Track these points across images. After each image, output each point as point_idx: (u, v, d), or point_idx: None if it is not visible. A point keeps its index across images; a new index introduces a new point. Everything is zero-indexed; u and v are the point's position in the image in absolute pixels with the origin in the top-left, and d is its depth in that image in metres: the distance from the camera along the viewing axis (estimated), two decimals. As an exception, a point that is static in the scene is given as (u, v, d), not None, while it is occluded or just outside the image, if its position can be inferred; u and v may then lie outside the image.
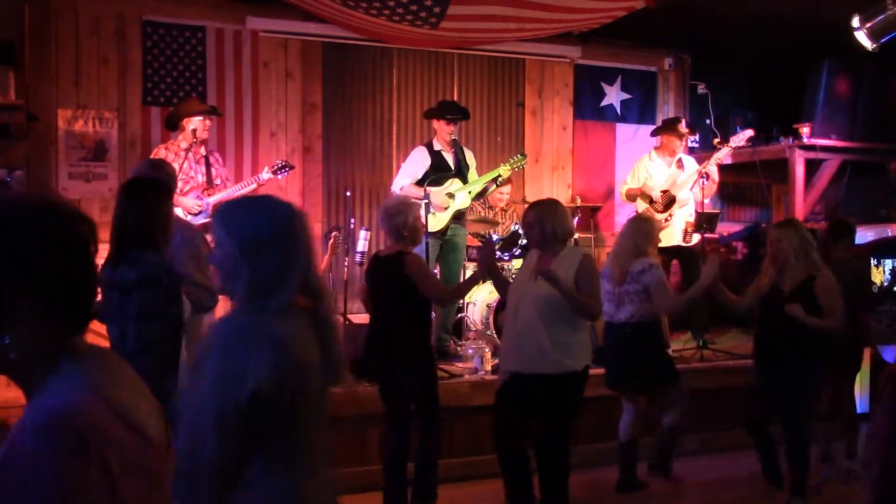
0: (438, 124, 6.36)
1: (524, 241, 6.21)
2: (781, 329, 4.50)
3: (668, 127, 7.01)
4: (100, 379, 1.29)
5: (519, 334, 4.17)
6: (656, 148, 7.08)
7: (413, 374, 4.36)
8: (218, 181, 5.91)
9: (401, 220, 4.35)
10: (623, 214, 8.36)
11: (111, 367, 1.35)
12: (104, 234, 5.06)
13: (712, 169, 6.75)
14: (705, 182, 6.66)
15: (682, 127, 6.90)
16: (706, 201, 6.88)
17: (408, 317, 4.33)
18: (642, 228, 4.91)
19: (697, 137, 7.76)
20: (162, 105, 6.68)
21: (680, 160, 6.82)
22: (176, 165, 5.65)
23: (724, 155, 6.79)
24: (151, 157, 5.81)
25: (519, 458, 4.25)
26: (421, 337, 4.40)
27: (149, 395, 1.39)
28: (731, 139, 6.82)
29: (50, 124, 6.38)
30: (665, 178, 6.79)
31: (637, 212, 7.19)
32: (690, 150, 7.44)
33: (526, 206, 7.28)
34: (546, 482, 4.26)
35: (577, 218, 7.32)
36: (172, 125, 5.89)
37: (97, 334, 3.92)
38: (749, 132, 6.82)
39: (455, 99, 7.66)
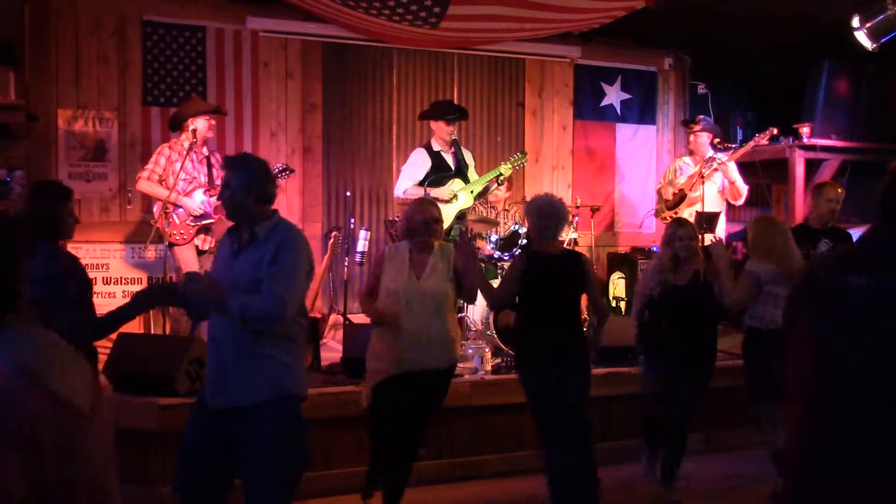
0: (437, 125, 6.36)
1: (524, 241, 6.22)
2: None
3: (687, 127, 7.17)
4: (21, 351, 1.31)
5: (415, 332, 4.13)
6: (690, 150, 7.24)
7: (577, 375, 4.31)
8: (219, 181, 5.90)
9: (564, 214, 4.44)
10: (624, 214, 8.38)
11: (40, 342, 1.37)
12: (104, 234, 5.03)
13: (729, 169, 6.77)
14: (703, 184, 6.68)
15: (695, 126, 6.99)
16: (736, 203, 6.92)
17: (575, 315, 4.43)
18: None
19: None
20: (162, 105, 6.68)
21: (710, 160, 6.83)
22: (178, 165, 5.67)
23: (726, 158, 6.82)
24: (156, 155, 5.81)
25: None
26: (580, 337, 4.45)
27: (85, 373, 1.42)
28: (755, 137, 6.84)
29: (50, 124, 6.38)
30: (687, 178, 6.90)
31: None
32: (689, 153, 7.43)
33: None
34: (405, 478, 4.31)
35: (576, 218, 7.32)
36: (176, 125, 5.89)
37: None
38: (773, 130, 6.82)
39: (455, 99, 7.66)
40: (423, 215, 4.25)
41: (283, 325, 3.24)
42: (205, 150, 5.91)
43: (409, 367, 4.13)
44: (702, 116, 7.39)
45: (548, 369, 4.28)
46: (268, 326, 3.21)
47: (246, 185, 3.29)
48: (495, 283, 5.00)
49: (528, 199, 7.39)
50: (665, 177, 7.28)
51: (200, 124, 5.77)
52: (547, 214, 4.35)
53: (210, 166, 5.88)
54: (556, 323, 4.34)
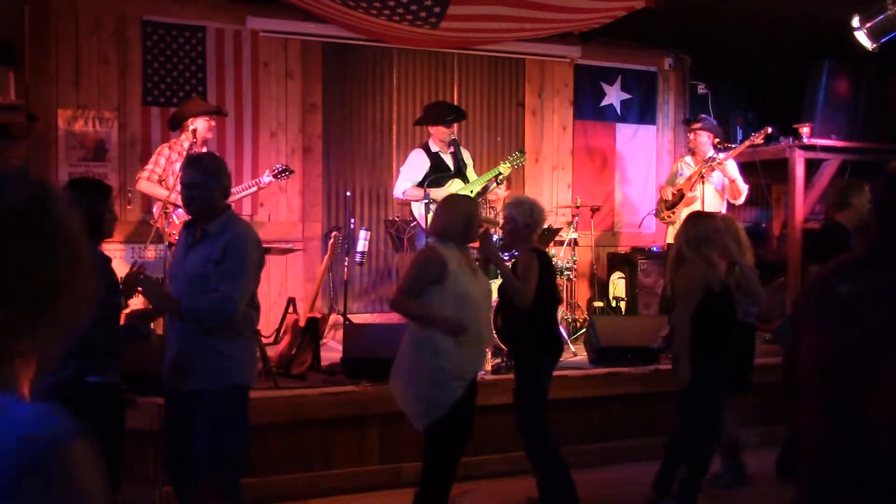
0: (436, 129, 6.35)
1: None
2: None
3: (687, 126, 7.18)
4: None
5: (480, 335, 4.06)
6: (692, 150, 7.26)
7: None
8: (218, 182, 5.91)
9: None
10: (625, 214, 8.38)
11: None
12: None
13: (728, 168, 6.77)
14: (704, 183, 6.69)
15: (695, 124, 7.00)
16: (737, 202, 6.91)
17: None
18: None
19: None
20: (162, 105, 6.68)
21: (710, 159, 6.83)
22: (178, 165, 5.67)
23: (723, 157, 6.82)
24: (156, 155, 5.81)
25: None
26: None
27: None
28: (751, 136, 6.84)
29: (50, 124, 6.38)
30: (686, 178, 6.92)
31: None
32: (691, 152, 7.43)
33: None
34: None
35: (576, 218, 7.33)
36: (176, 125, 5.89)
37: None
38: (768, 129, 6.81)
39: (455, 99, 7.66)
40: (480, 215, 4.24)
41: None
42: (204, 151, 5.90)
43: (475, 371, 4.08)
44: (703, 116, 7.39)
45: (545, 364, 4.35)
46: (218, 324, 3.43)
47: (220, 184, 3.50)
48: (496, 283, 5.00)
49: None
50: (668, 178, 7.31)
51: (200, 125, 5.77)
52: (537, 213, 4.49)
53: (210, 166, 5.88)
54: (552, 318, 4.55)
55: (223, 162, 3.74)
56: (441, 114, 6.40)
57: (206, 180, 3.48)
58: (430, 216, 5.96)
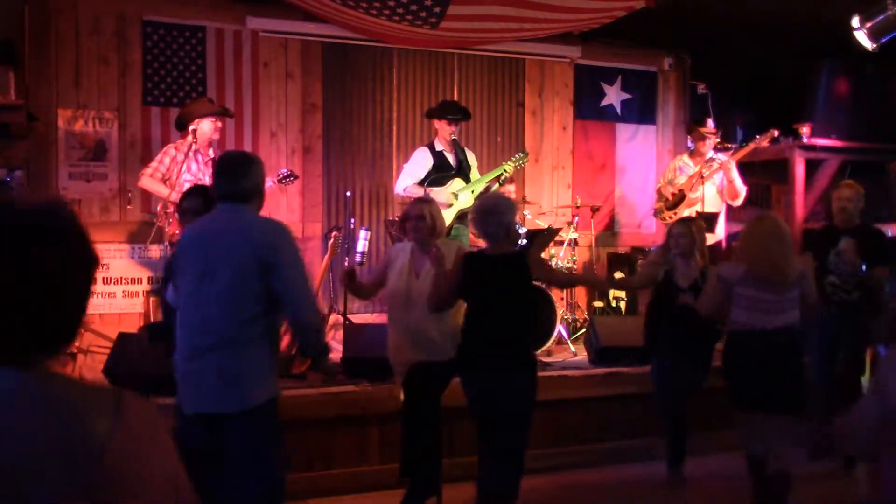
0: (440, 124, 6.36)
1: (524, 241, 6.22)
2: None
3: (690, 128, 7.14)
4: None
5: (414, 328, 4.37)
6: (690, 150, 7.22)
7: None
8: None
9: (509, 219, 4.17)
10: (624, 214, 8.38)
11: None
12: (105, 234, 5.01)
13: (732, 168, 6.76)
14: (703, 184, 6.68)
15: (704, 129, 6.95)
16: (734, 203, 6.90)
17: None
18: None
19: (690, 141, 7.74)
20: (162, 105, 6.68)
21: (710, 160, 6.82)
22: (182, 166, 5.66)
23: (724, 158, 6.82)
24: (161, 154, 5.81)
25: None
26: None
27: None
28: (756, 138, 6.83)
29: (50, 124, 6.38)
30: (686, 178, 6.90)
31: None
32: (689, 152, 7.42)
33: (526, 205, 7.32)
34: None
35: (576, 218, 7.33)
36: (181, 125, 5.88)
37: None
38: (774, 132, 6.80)
39: (455, 99, 7.66)
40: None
41: None
42: (210, 153, 5.90)
43: (413, 360, 4.37)
44: (709, 119, 7.38)
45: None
46: None
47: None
48: None
49: (527, 199, 7.44)
50: (664, 176, 7.28)
51: (205, 126, 5.76)
52: None
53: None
54: None
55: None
56: (445, 110, 6.41)
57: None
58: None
